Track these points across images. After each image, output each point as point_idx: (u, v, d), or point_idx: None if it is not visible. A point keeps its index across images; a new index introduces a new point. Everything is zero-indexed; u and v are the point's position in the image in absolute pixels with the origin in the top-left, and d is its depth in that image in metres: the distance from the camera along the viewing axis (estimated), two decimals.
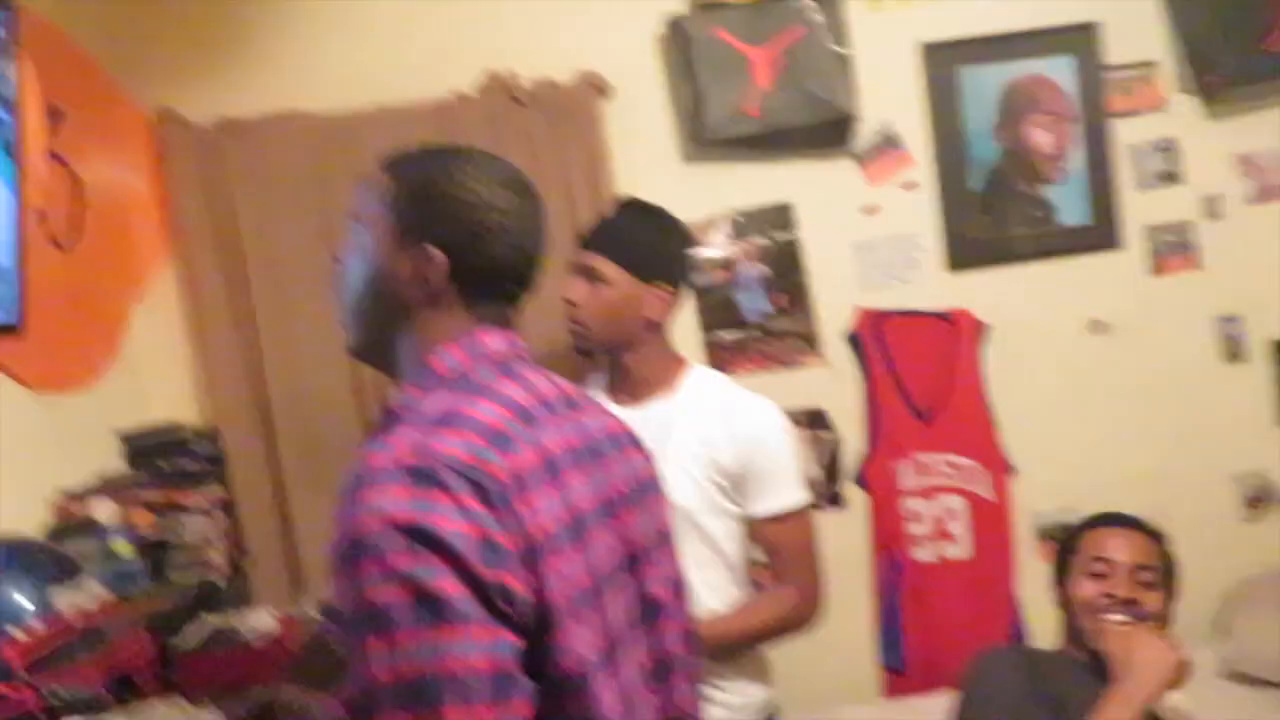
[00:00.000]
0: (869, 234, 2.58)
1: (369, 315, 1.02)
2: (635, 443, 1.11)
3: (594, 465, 0.97)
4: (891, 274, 2.60)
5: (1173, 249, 2.61)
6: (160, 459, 2.31)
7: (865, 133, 2.54)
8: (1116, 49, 2.57)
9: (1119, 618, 1.62)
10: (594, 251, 1.72)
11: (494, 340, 0.99)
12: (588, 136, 2.42)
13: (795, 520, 1.74)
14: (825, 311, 2.59)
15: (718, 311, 2.55)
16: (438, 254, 0.96)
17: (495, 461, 0.84)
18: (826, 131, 2.47)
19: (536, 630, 0.84)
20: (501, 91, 2.40)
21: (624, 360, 1.78)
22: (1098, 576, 1.69)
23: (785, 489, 1.73)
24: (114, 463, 2.28)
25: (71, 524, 1.98)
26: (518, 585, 0.82)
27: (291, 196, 2.41)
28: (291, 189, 2.41)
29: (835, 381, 2.59)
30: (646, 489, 1.07)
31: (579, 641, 0.87)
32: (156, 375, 2.47)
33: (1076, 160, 2.58)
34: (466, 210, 0.97)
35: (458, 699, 0.76)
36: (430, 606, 0.77)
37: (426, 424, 0.87)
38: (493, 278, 1.00)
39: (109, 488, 2.11)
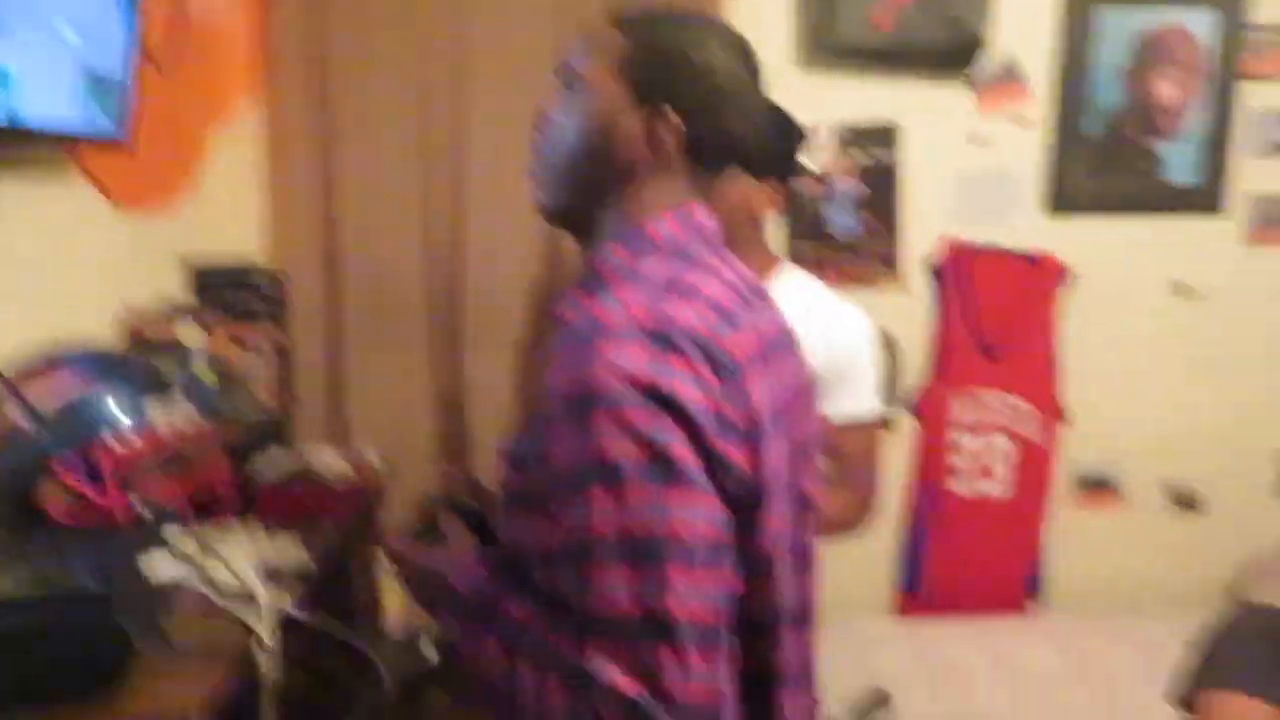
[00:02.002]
0: (973, 166, 2.52)
1: (581, 174, 0.96)
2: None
3: (782, 357, 0.97)
4: (989, 210, 2.54)
5: (1276, 222, 2.56)
6: (227, 292, 2.28)
7: (987, 61, 2.44)
8: (1266, 8, 2.47)
9: None
10: None
11: (705, 216, 0.96)
12: None
13: (866, 429, 1.75)
14: (914, 238, 2.54)
15: (805, 222, 2.50)
16: (675, 117, 0.92)
17: (727, 337, 0.84)
18: (950, 54, 2.37)
19: (742, 507, 0.84)
20: None
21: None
22: None
23: (863, 397, 1.73)
24: (177, 290, 2.25)
25: (150, 342, 1.96)
26: (740, 460, 0.83)
27: (389, 45, 2.31)
28: (390, 37, 2.30)
29: (909, 309, 2.57)
30: (810, 389, 1.06)
31: (776, 523, 0.88)
32: (228, 208, 2.41)
33: (1196, 118, 2.51)
34: (708, 76, 0.93)
35: (681, 561, 0.77)
36: (663, 468, 0.77)
37: (653, 288, 0.85)
38: (721, 149, 0.96)
39: (179, 313, 2.08)
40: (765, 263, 1.74)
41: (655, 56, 0.93)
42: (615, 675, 0.75)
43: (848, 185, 2.51)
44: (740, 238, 1.68)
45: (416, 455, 2.42)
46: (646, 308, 0.82)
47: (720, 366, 0.82)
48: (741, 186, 1.65)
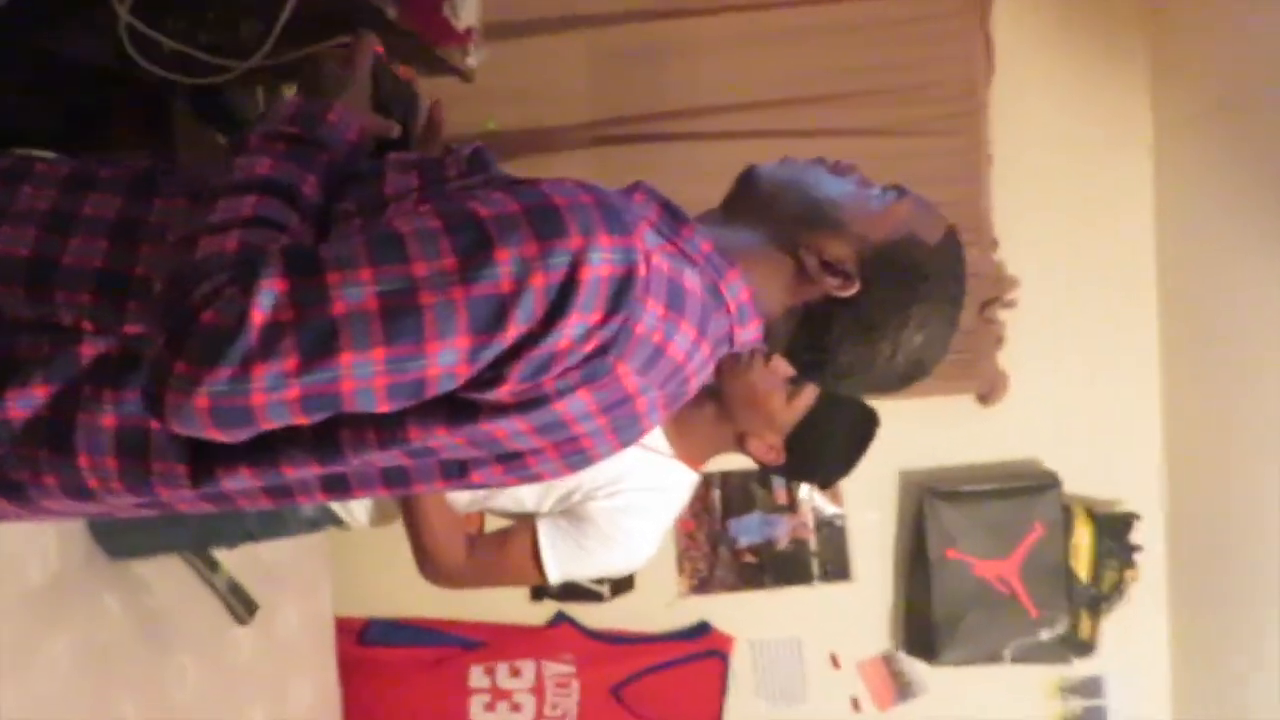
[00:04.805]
0: None
1: (777, 211, 1.01)
2: None
3: (671, 389, 0.97)
4: None
5: None
6: None
7: None
8: None
9: None
10: None
11: (737, 295, 0.97)
12: None
13: (527, 552, 1.62)
14: None
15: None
16: (850, 290, 0.97)
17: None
18: None
19: (471, 403, 0.87)
20: None
21: None
22: None
23: (575, 555, 1.62)
24: None
25: None
26: (526, 389, 0.84)
27: None
28: None
29: None
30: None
31: (449, 439, 0.91)
32: None
33: None
34: (905, 338, 0.99)
35: (385, 337, 0.78)
36: (495, 308, 0.78)
37: (701, 296, 0.89)
38: (827, 363, 1.03)
39: None
40: (699, 444, 1.63)
41: (890, 261, 0.94)
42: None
43: None
44: (724, 409, 1.57)
45: None
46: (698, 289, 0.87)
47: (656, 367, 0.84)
48: (780, 391, 1.54)
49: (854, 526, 2.74)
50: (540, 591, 2.69)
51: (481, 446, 0.86)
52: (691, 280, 0.86)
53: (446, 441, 0.85)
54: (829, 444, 1.61)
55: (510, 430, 0.84)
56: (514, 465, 0.89)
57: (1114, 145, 2.69)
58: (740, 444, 1.61)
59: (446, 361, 0.77)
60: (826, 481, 1.92)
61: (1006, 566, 2.54)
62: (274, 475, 0.87)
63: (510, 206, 0.78)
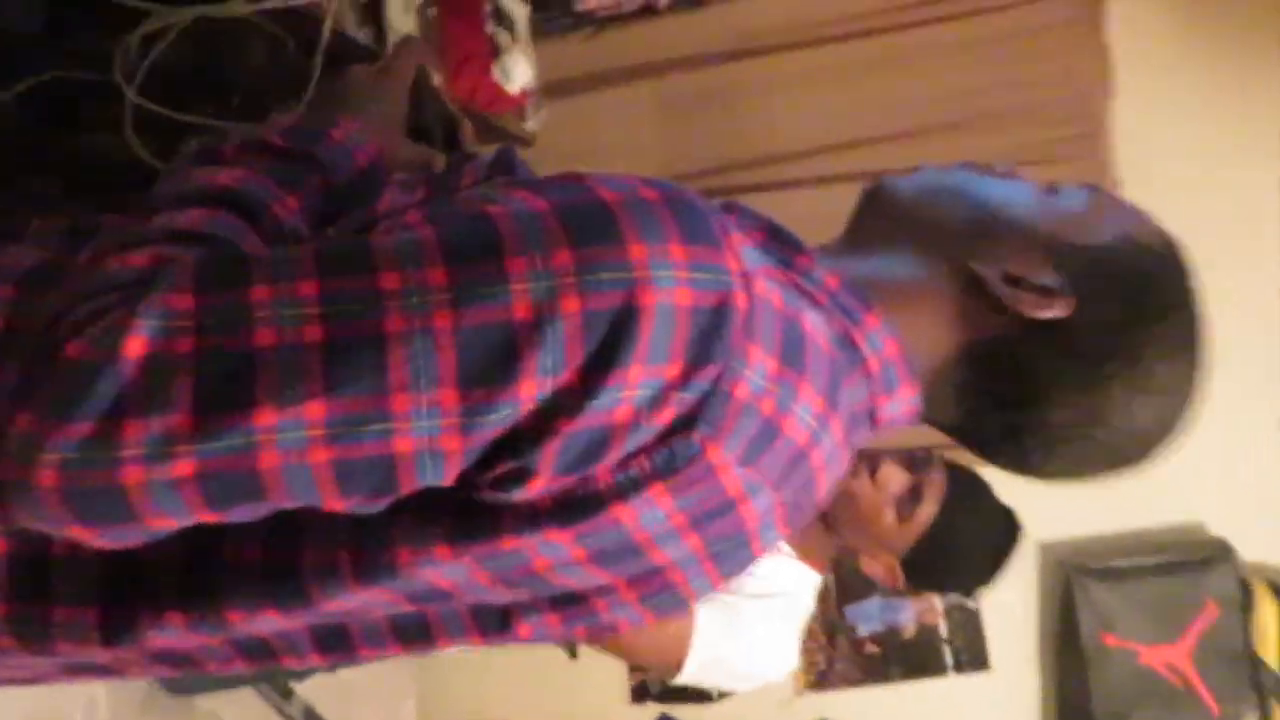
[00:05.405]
0: None
1: (933, 220, 0.76)
2: None
3: (807, 480, 0.75)
4: None
5: None
6: None
7: None
8: None
9: None
10: None
11: (876, 349, 0.75)
12: None
13: (679, 635, 1.43)
14: None
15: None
16: (1060, 310, 0.69)
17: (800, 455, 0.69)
18: None
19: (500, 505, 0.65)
20: None
21: None
22: None
23: (733, 652, 1.44)
24: None
25: None
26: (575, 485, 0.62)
27: None
28: None
29: None
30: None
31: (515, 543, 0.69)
32: None
33: None
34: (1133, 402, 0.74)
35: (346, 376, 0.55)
36: (524, 337, 0.54)
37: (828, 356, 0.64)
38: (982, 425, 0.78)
39: None
40: (815, 550, 1.43)
41: (1108, 269, 0.67)
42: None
43: None
44: (827, 523, 1.39)
45: None
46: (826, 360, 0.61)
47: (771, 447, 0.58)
48: (889, 509, 1.34)
49: (989, 609, 2.47)
50: (642, 692, 2.51)
51: (517, 585, 0.60)
52: (814, 324, 0.59)
53: (458, 576, 0.58)
54: (961, 561, 1.37)
55: (553, 557, 0.57)
56: (575, 612, 0.63)
57: (1260, 157, 2.40)
58: (852, 559, 1.43)
59: (424, 429, 0.51)
60: (964, 595, 1.66)
61: (1176, 653, 2.25)
62: (219, 626, 0.60)
63: (535, 203, 0.53)
